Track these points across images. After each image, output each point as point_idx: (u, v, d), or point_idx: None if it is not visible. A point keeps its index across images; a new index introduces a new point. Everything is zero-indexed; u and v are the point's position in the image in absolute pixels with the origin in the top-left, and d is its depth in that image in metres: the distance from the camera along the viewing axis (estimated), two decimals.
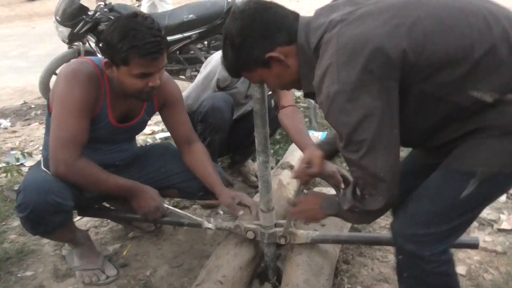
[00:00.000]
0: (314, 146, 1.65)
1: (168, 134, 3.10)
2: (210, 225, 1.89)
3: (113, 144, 1.94)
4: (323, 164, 1.61)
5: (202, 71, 2.44)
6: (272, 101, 2.46)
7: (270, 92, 2.48)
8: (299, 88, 1.39)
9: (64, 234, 1.89)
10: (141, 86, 1.66)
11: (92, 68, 1.73)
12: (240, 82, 2.41)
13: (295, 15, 1.30)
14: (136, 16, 1.62)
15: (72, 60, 1.82)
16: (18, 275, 2.02)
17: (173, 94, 1.96)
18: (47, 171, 1.77)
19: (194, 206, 2.53)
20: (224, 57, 1.35)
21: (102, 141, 1.88)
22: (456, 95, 1.14)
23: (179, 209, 2.48)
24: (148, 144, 2.25)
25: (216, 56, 2.40)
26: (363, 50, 1.10)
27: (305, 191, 2.61)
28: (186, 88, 2.49)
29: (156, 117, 3.36)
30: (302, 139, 2.08)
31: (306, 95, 1.38)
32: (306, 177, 1.62)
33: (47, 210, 1.68)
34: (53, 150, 1.69)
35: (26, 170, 2.86)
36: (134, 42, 1.56)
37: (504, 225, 2.15)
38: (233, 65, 1.34)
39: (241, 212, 1.88)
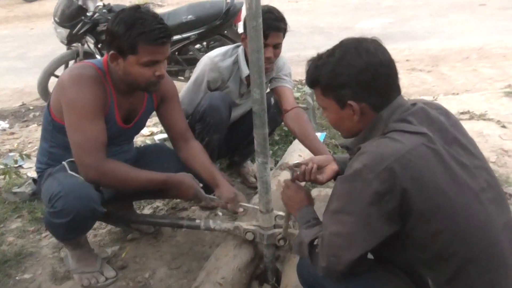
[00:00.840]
0: (333, 158, 1.67)
1: (166, 135, 3.09)
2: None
3: (116, 146, 1.94)
4: (331, 178, 1.63)
5: (193, 75, 2.43)
6: (272, 99, 2.45)
7: (268, 90, 2.48)
8: (345, 136, 1.41)
9: (78, 238, 1.90)
10: (149, 76, 1.70)
11: (95, 71, 1.74)
12: (230, 80, 2.39)
13: (399, 90, 1.30)
14: (139, 7, 1.69)
15: (73, 66, 1.81)
16: (17, 277, 2.01)
17: (170, 89, 1.98)
18: (78, 176, 1.75)
19: (193, 207, 2.52)
20: (322, 66, 1.30)
21: (110, 142, 1.88)
22: None
23: (177, 210, 2.50)
24: (142, 145, 2.24)
25: (204, 59, 2.38)
26: None
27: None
28: None
29: (155, 119, 3.35)
30: (313, 144, 2.15)
31: (342, 147, 1.45)
32: (309, 178, 1.62)
33: (87, 217, 1.71)
34: (78, 157, 1.69)
35: (25, 172, 2.87)
36: (142, 29, 1.61)
37: None
38: (318, 76, 1.31)
39: (240, 210, 1.87)
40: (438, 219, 1.14)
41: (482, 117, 3.58)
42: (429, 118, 1.25)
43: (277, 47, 2.21)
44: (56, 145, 1.86)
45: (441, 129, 1.23)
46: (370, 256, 1.28)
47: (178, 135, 2.04)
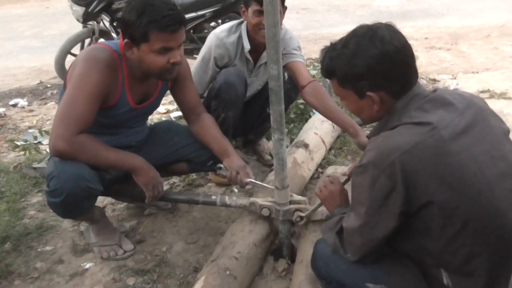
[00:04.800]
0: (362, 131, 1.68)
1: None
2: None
3: (130, 127, 1.96)
4: None
5: (200, 53, 2.42)
6: (285, 74, 2.41)
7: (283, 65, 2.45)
8: (365, 122, 1.43)
9: (88, 215, 1.94)
10: (163, 63, 1.68)
11: (110, 54, 1.73)
12: (237, 58, 2.37)
13: (416, 74, 1.28)
14: None
15: (91, 46, 1.80)
16: (38, 249, 2.07)
17: (184, 68, 1.97)
18: None
19: (209, 184, 2.55)
20: (337, 57, 1.28)
21: (121, 126, 1.90)
22: None
23: (194, 187, 2.53)
24: (152, 124, 2.26)
25: (210, 36, 2.36)
26: None
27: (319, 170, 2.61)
28: None
29: (171, 97, 3.36)
30: (336, 116, 2.13)
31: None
32: None
33: (80, 196, 1.71)
34: (55, 125, 1.66)
35: (44, 148, 2.92)
36: (152, 16, 1.59)
37: None
38: (333, 68, 1.29)
39: (246, 180, 1.87)
40: (444, 212, 1.13)
41: (502, 96, 3.51)
42: (447, 104, 1.22)
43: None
44: None
45: (460, 116, 1.19)
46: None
47: (190, 110, 2.06)
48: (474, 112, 1.22)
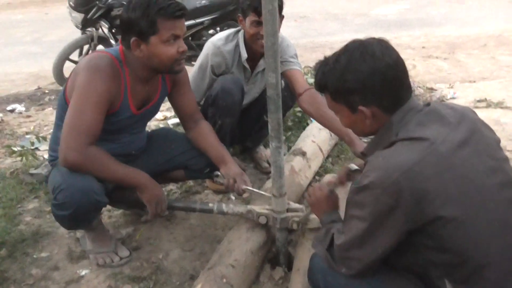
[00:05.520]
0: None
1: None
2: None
3: (130, 133, 1.96)
4: None
5: (197, 61, 2.42)
6: (282, 82, 2.42)
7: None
8: (360, 135, 1.43)
9: (89, 225, 1.94)
10: (174, 53, 1.73)
11: (112, 61, 1.75)
12: (234, 67, 2.38)
13: (410, 89, 1.28)
14: None
15: (91, 55, 1.80)
16: (34, 256, 2.06)
17: (183, 74, 2.00)
18: None
19: (206, 191, 2.55)
20: (329, 72, 1.28)
21: (122, 131, 1.91)
22: None
23: (191, 194, 2.52)
24: (149, 131, 2.27)
25: (207, 44, 2.37)
26: None
27: (317, 177, 2.61)
28: None
29: (168, 104, 3.37)
30: (332, 124, 2.12)
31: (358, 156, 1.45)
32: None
33: (89, 209, 1.73)
34: (65, 136, 1.66)
35: (41, 154, 2.92)
36: (158, 6, 1.66)
37: None
38: (326, 83, 1.30)
39: (243, 187, 1.88)
40: (450, 227, 1.13)
41: (499, 105, 3.53)
42: (441, 119, 1.22)
43: None
44: None
45: (454, 130, 1.20)
46: None
47: (188, 117, 2.07)
48: (468, 125, 1.23)
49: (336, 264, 1.33)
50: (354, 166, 1.64)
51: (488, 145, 1.23)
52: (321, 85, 1.33)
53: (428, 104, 1.28)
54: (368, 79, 1.22)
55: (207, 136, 2.03)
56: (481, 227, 1.13)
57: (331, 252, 1.35)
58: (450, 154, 1.15)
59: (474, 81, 4.34)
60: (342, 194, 1.67)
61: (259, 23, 2.14)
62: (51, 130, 3.51)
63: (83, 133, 1.66)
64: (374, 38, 1.28)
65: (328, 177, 2.32)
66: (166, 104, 3.39)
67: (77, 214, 1.71)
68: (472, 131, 1.22)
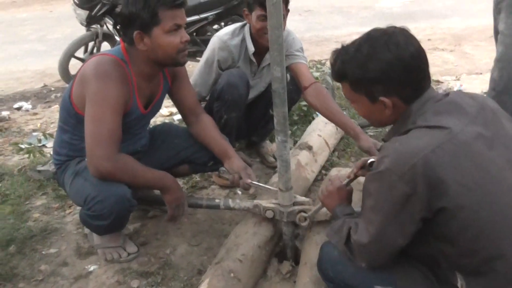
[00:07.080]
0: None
1: None
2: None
3: (137, 132, 1.97)
4: None
5: (203, 55, 2.42)
6: (288, 75, 2.41)
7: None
8: (375, 126, 1.42)
9: None
10: (177, 43, 1.73)
11: (118, 63, 1.75)
12: (241, 61, 2.37)
13: (429, 80, 1.27)
14: None
15: (97, 59, 1.76)
16: (43, 252, 2.08)
17: (182, 68, 2.00)
18: None
19: (212, 186, 2.55)
20: (350, 61, 1.26)
21: (130, 131, 1.91)
22: None
23: (197, 189, 2.53)
24: (150, 127, 2.28)
25: (213, 39, 2.36)
26: None
27: (323, 171, 2.61)
28: None
29: None
30: (338, 118, 2.13)
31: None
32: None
33: (125, 216, 1.83)
34: (91, 147, 1.66)
35: (48, 151, 2.93)
36: None
37: None
38: (345, 72, 1.28)
39: (248, 181, 1.88)
40: (464, 216, 1.11)
41: None
42: (460, 109, 1.20)
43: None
44: (79, 137, 1.82)
45: (472, 121, 1.18)
46: None
47: (189, 111, 2.07)
48: (487, 115, 1.21)
49: (355, 259, 1.32)
50: (370, 159, 1.62)
51: (508, 137, 1.21)
52: (340, 74, 1.31)
53: (447, 94, 1.26)
54: (392, 69, 1.20)
55: (209, 130, 2.03)
56: (495, 219, 1.12)
57: (349, 246, 1.33)
58: (468, 144, 1.13)
59: (481, 73, 4.30)
60: (357, 186, 1.67)
61: (265, 18, 2.13)
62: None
63: (108, 141, 1.66)
64: (396, 27, 1.26)
65: (335, 171, 2.31)
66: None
67: (114, 223, 1.77)
68: (491, 122, 1.20)
